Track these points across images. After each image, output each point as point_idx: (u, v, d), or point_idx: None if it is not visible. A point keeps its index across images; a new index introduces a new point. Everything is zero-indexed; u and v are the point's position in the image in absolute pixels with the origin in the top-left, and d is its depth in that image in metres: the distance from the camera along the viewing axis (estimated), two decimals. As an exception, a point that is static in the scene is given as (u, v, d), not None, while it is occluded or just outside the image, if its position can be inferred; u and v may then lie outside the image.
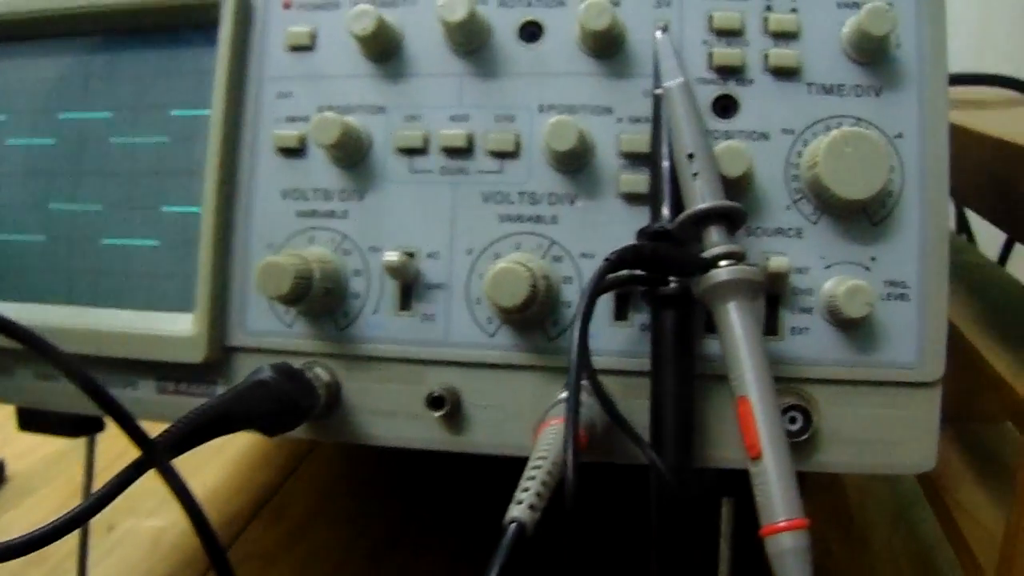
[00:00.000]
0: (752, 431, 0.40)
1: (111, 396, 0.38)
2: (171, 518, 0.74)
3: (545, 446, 0.39)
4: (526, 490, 0.36)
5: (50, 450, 0.87)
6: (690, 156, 0.44)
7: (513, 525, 0.35)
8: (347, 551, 0.72)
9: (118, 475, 0.39)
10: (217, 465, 0.86)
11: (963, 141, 0.58)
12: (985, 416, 0.66)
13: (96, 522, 0.71)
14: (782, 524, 0.39)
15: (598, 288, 0.40)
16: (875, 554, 0.71)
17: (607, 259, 0.41)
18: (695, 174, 0.44)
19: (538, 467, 0.37)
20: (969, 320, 0.65)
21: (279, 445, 0.89)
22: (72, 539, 0.63)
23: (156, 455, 0.39)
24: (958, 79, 0.81)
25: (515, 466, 0.39)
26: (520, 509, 0.35)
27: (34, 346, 0.37)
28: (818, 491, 0.76)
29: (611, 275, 0.42)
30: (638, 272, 0.44)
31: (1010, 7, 0.96)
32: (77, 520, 0.37)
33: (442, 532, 0.72)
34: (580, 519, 0.36)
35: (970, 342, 0.61)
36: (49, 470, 0.85)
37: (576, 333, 0.39)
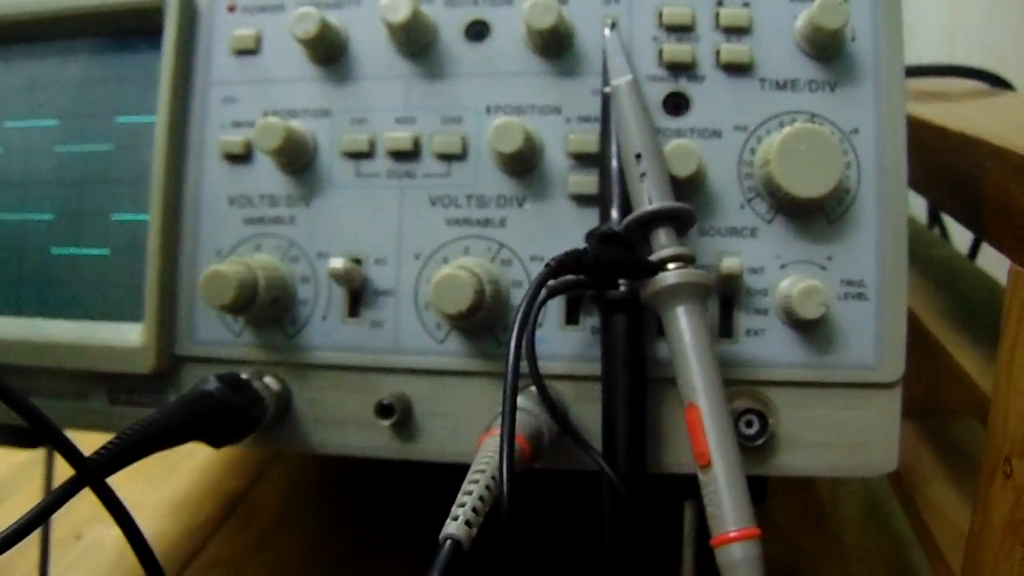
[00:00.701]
0: (701, 439, 0.39)
1: (36, 409, 0.36)
2: (139, 525, 0.73)
3: (484, 459, 0.37)
4: (462, 505, 0.35)
5: (19, 459, 0.85)
6: (638, 156, 0.43)
7: (448, 542, 0.33)
8: (314, 557, 0.70)
9: (51, 494, 0.37)
10: (186, 471, 0.84)
11: (926, 135, 0.56)
12: (952, 411, 0.65)
13: (64, 531, 0.71)
14: (733, 534, 0.37)
15: (539, 295, 0.39)
16: (847, 551, 0.69)
17: (547, 265, 0.39)
18: (643, 174, 0.42)
19: (475, 481, 0.36)
20: (936, 315, 0.64)
21: (248, 451, 0.88)
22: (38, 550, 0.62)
23: (89, 474, 0.38)
24: (925, 70, 0.80)
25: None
26: (456, 526, 0.34)
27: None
28: (790, 488, 0.75)
29: (557, 280, 0.41)
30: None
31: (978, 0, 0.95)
32: (6, 543, 0.36)
33: (410, 538, 0.71)
34: (516, 534, 0.34)
35: (936, 337, 0.59)
36: (17, 479, 0.83)
37: (512, 344, 0.37)
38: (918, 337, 0.62)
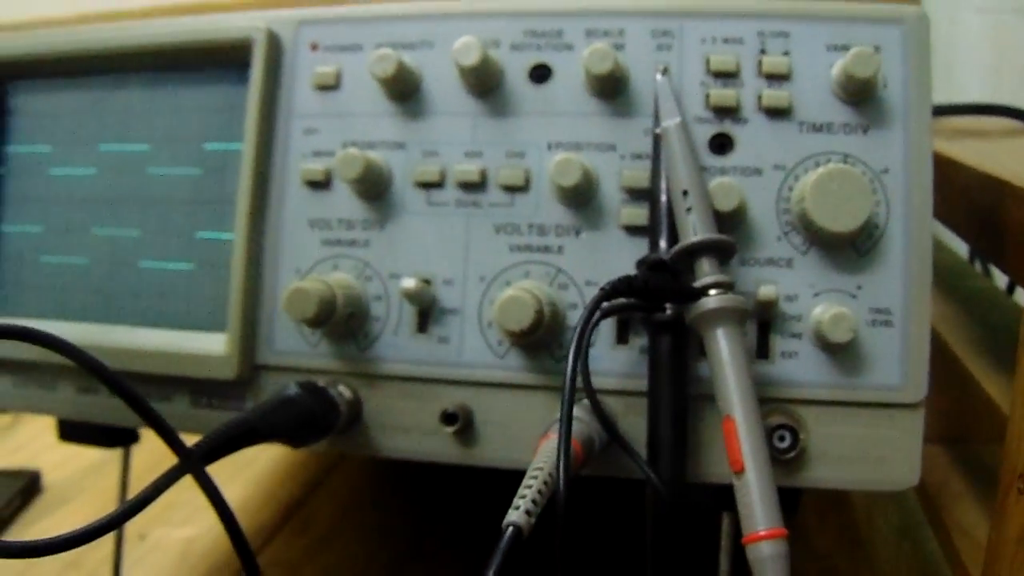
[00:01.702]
0: (735, 447, 0.45)
1: (152, 408, 0.44)
2: (201, 528, 0.80)
3: (544, 458, 0.44)
4: (523, 497, 0.41)
5: (85, 462, 0.92)
6: (684, 192, 0.49)
7: (510, 529, 0.40)
8: (369, 562, 0.77)
9: (156, 480, 0.44)
10: (246, 478, 0.91)
11: (956, 174, 0.62)
12: (982, 438, 0.70)
13: (129, 531, 0.78)
14: (762, 533, 0.43)
15: (593, 316, 0.46)
16: (881, 571, 0.75)
17: (601, 289, 0.46)
18: (689, 209, 0.49)
19: (535, 477, 0.42)
20: (969, 346, 0.69)
21: (305, 460, 0.95)
22: (106, 546, 0.69)
23: (192, 462, 0.45)
24: (964, 109, 0.85)
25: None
26: (517, 514, 0.40)
27: (83, 363, 0.43)
28: (825, 508, 0.81)
29: (610, 303, 0.47)
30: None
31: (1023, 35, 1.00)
32: (116, 521, 0.42)
33: (461, 544, 0.77)
34: (570, 527, 0.41)
35: (967, 367, 0.65)
36: (84, 481, 0.90)
37: (570, 359, 0.44)
38: (951, 366, 0.68)
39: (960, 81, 1.12)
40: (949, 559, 0.62)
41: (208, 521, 0.81)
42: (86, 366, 0.43)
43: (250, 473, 0.92)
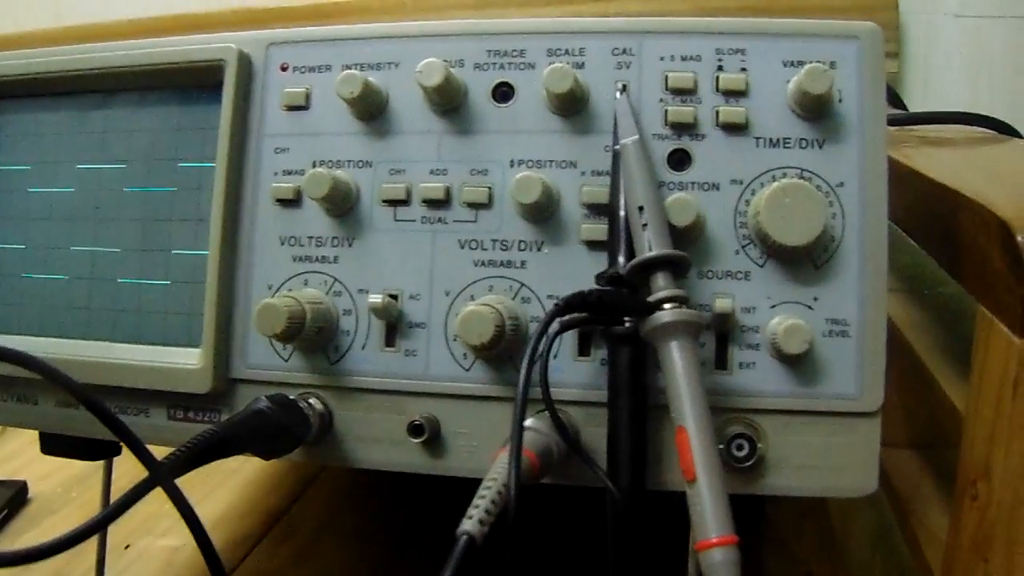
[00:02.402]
0: (688, 457, 0.47)
1: (120, 421, 0.46)
2: (185, 537, 0.82)
3: (499, 468, 0.46)
4: (476, 507, 0.43)
5: (71, 473, 0.94)
6: (640, 208, 0.51)
7: (464, 537, 0.42)
8: (351, 570, 0.79)
9: (127, 493, 0.46)
10: (230, 487, 0.93)
11: (918, 184, 0.63)
12: (953, 444, 0.72)
13: (113, 540, 0.80)
14: (714, 540, 0.45)
15: (547, 330, 0.48)
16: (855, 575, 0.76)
17: (556, 304, 0.48)
18: (644, 225, 0.51)
19: (489, 487, 0.45)
20: (937, 352, 0.71)
21: (289, 469, 0.97)
22: (91, 556, 0.71)
23: (161, 475, 0.47)
24: (935, 117, 0.86)
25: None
26: (471, 523, 0.43)
27: (52, 377, 0.45)
28: (802, 515, 0.83)
29: (569, 316, 0.49)
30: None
31: (1001, 41, 1.01)
32: (89, 531, 0.44)
33: (441, 553, 0.79)
34: (521, 537, 0.43)
35: (931, 374, 0.67)
36: (69, 492, 0.93)
37: (522, 372, 0.46)
38: (922, 372, 0.70)
39: (937, 86, 1.13)
40: (916, 562, 0.63)
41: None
42: (56, 381, 0.45)
43: (234, 482, 0.94)
